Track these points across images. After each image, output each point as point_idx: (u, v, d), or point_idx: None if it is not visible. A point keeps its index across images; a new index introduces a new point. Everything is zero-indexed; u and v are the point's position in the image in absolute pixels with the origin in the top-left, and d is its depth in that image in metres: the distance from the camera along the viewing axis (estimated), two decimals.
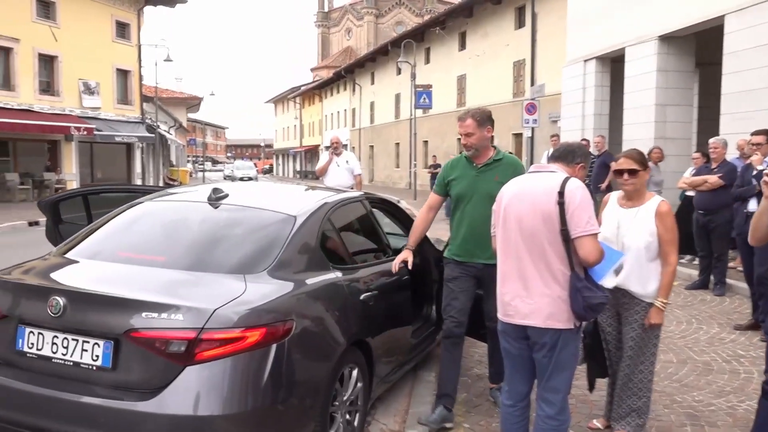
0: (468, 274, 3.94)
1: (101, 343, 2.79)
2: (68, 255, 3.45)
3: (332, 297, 3.44)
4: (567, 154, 3.17)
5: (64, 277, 3.20)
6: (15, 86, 21.94)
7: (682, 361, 5.26)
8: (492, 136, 3.95)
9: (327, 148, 10.01)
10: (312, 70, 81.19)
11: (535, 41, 22.04)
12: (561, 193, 2.87)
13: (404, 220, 4.97)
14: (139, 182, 27.73)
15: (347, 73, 46.38)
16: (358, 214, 4.38)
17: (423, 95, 25.38)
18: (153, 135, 28.01)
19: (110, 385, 2.77)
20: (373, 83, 42.41)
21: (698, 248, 8.10)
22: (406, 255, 4.01)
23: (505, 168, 3.86)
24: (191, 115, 58.56)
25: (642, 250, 3.46)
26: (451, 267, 4.02)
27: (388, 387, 4.47)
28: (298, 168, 63.69)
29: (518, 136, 23.05)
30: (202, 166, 57.69)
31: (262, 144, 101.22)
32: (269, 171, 74.35)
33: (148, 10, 28.94)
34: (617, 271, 3.15)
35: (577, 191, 2.88)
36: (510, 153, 4.05)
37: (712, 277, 7.97)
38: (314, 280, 3.34)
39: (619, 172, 3.55)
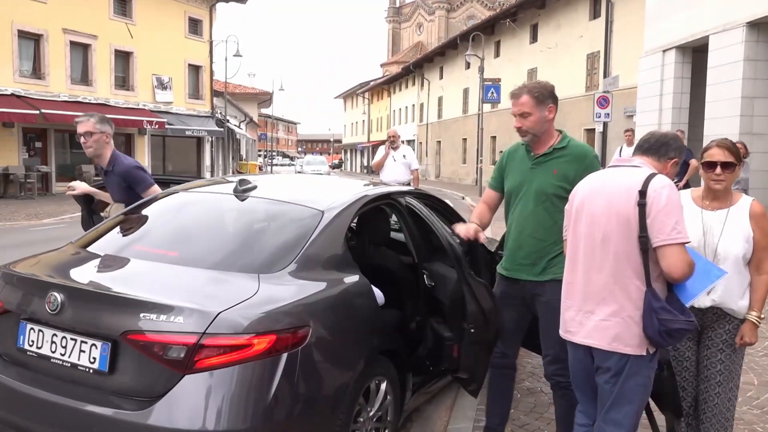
0: (516, 295, 3.27)
1: (98, 344, 2.56)
2: (84, 247, 3.27)
3: (359, 301, 3.12)
4: (659, 147, 2.66)
5: (68, 271, 3.01)
6: (92, 81, 22.77)
7: (765, 383, 4.65)
8: (553, 119, 3.17)
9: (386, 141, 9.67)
10: (382, 65, 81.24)
11: (610, 32, 21.02)
12: (642, 193, 2.42)
13: (454, 219, 4.54)
14: (208, 175, 28.35)
15: (416, 68, 46.00)
16: (401, 210, 3.98)
17: (491, 89, 24.67)
18: (222, 129, 28.54)
19: (107, 391, 2.54)
20: (441, 78, 41.86)
21: None
22: (477, 228, 3.34)
23: (569, 160, 3.09)
24: (263, 111, 59.69)
25: (740, 259, 2.84)
26: (499, 283, 3.40)
27: (429, 398, 4.13)
28: (365, 163, 63.92)
29: (590, 132, 22.08)
30: (272, 160, 58.70)
31: (332, 139, 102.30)
32: (338, 166, 74.95)
33: (220, 6, 29.51)
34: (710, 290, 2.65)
35: (663, 191, 2.41)
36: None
37: None
38: (338, 281, 3.03)
39: (710, 165, 2.86)
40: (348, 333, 2.95)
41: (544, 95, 3.12)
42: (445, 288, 3.62)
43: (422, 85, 45.70)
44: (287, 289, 2.78)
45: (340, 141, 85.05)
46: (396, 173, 9.42)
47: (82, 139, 4.16)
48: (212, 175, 29.19)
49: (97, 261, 3.11)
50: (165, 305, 2.51)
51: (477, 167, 26.34)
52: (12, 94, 19.61)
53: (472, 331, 3.47)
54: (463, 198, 24.20)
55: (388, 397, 3.27)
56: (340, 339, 2.89)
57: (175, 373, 2.44)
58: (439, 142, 42.96)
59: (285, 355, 2.56)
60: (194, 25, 27.59)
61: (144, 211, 3.60)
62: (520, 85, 3.20)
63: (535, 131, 3.13)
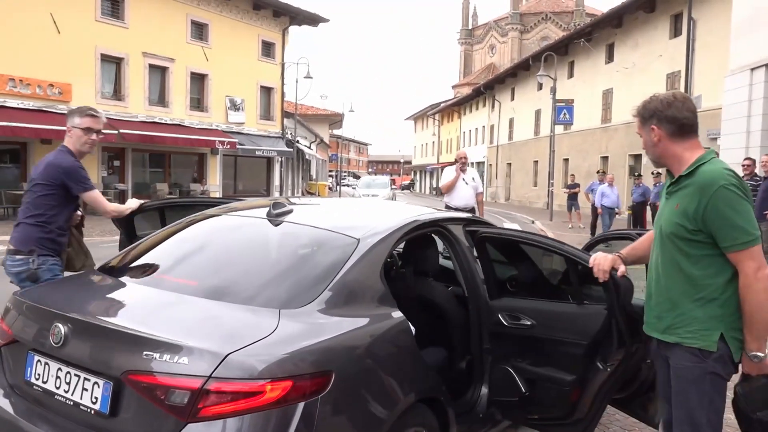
0: (657, 355, 2.67)
1: (101, 383, 2.33)
2: (104, 272, 3.09)
3: (394, 342, 2.78)
4: None
5: (79, 299, 2.81)
6: (169, 102, 23.56)
7: None
8: (666, 140, 2.54)
9: (452, 163, 9.28)
10: (453, 87, 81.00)
11: (693, 50, 19.97)
12: None
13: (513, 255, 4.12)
14: (277, 194, 28.74)
15: (487, 89, 45.49)
16: (452, 240, 3.62)
17: (563, 110, 23.92)
18: (291, 149, 28.92)
19: None
20: (512, 99, 41.16)
21: None
22: (615, 260, 2.87)
23: (691, 191, 2.41)
24: (334, 132, 60.48)
25: None
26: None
27: None
28: (434, 184, 63.57)
29: None
30: (343, 180, 59.19)
31: (402, 160, 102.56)
32: (409, 187, 74.87)
33: (293, 29, 30.07)
34: None
35: None
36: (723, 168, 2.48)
37: None
38: (371, 319, 2.70)
39: None
40: (379, 379, 2.61)
41: (644, 114, 2.60)
42: (559, 325, 3.30)
43: (493, 106, 45.10)
44: (310, 328, 2.48)
45: (409, 162, 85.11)
46: (466, 196, 9.06)
47: (95, 136, 3.92)
48: (281, 195, 29.58)
49: (111, 289, 2.91)
50: (170, 343, 2.25)
51: (548, 190, 25.52)
52: None
53: (608, 370, 3.13)
54: (533, 222, 23.41)
55: None
56: (370, 386, 2.55)
57: (178, 422, 2.17)
58: (510, 164, 42.13)
59: (301, 405, 2.25)
60: (267, 48, 28.21)
61: (173, 235, 3.41)
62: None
63: (651, 157, 2.66)
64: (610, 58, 27.65)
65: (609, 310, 3.17)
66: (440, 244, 3.90)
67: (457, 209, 8.71)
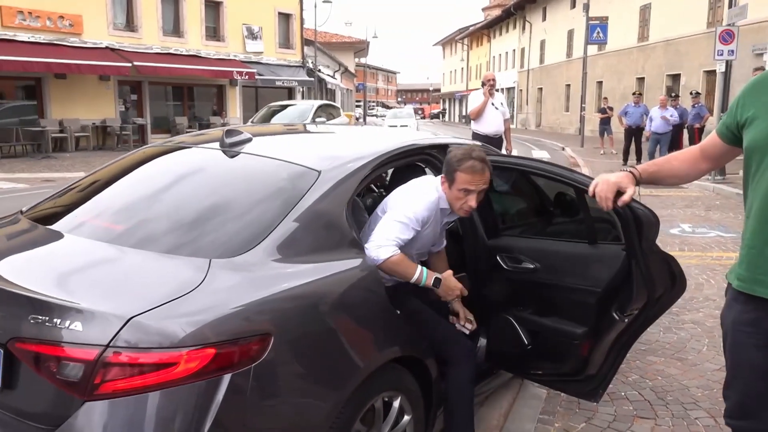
0: (763, 324, 1.90)
1: None
2: (32, 218, 2.65)
3: (357, 295, 2.32)
4: None
5: None
6: (184, 32, 22.81)
7: None
8: None
9: (482, 85, 8.53)
10: (483, 9, 77.57)
11: None
12: None
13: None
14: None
15: (517, 10, 43.30)
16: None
17: (597, 29, 22.44)
18: (313, 79, 28.07)
19: (6, 410, 1.92)
20: (544, 20, 39.14)
21: None
22: (623, 179, 2.16)
23: None
24: (361, 60, 58.95)
25: None
26: (730, 300, 2.03)
27: (480, 399, 3.34)
28: (463, 112, 62.14)
29: (711, 74, 19.63)
30: (371, 111, 57.98)
31: (431, 88, 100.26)
32: (438, 115, 73.34)
33: None
34: None
35: None
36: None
37: None
38: (328, 268, 2.23)
39: None
40: (336, 340, 2.16)
41: None
42: (568, 268, 2.84)
43: (524, 28, 43.06)
44: (245, 281, 2.02)
45: (438, 90, 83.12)
46: (495, 122, 8.43)
47: None
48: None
49: (25, 237, 2.48)
50: (62, 305, 1.82)
51: (580, 115, 24.40)
52: (107, 47, 19.94)
53: (626, 321, 2.66)
54: (563, 149, 22.50)
55: (405, 416, 2.49)
56: (322, 349, 2.11)
57: (74, 399, 1.77)
58: (541, 89, 40.55)
59: (227, 377, 1.82)
60: None
61: (114, 171, 2.94)
62: None
63: None
64: None
65: (627, 251, 2.65)
66: None
67: (486, 137, 8.12)
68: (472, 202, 2.64)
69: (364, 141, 3.32)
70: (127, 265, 2.10)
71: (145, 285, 1.96)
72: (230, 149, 2.74)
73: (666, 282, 2.70)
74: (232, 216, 2.33)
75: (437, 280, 2.62)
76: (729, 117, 2.01)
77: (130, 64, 19.40)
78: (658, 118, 14.04)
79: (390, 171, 3.43)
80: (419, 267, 2.59)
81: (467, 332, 2.84)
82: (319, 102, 18.36)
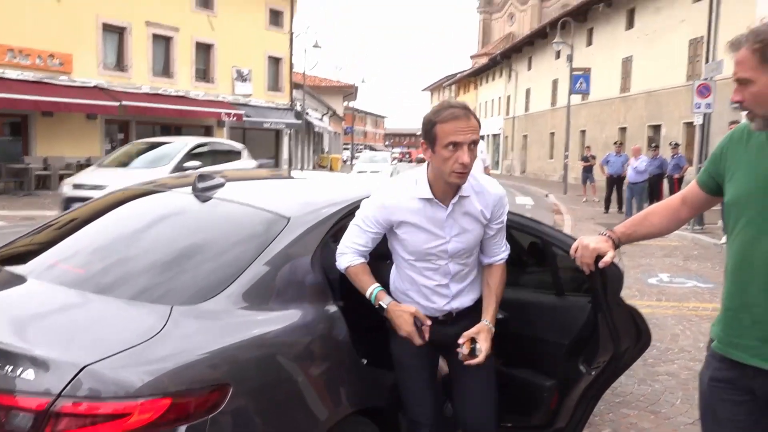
0: (739, 385, 1.87)
1: None
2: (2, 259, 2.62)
3: (322, 344, 2.30)
4: None
5: None
6: (173, 73, 23.05)
7: None
8: None
9: None
10: (472, 57, 79.45)
11: (718, 15, 18.98)
12: None
13: None
14: (285, 167, 28.28)
15: (503, 59, 44.31)
16: None
17: (580, 79, 23.03)
18: (301, 122, 28.35)
19: None
20: (530, 69, 40.03)
21: None
22: (602, 244, 2.12)
23: None
24: (349, 104, 59.71)
25: None
26: (709, 363, 1.98)
27: None
28: None
29: (690, 126, 20.07)
30: (358, 154, 58.29)
31: (418, 133, 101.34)
32: (423, 160, 74.03)
33: None
34: None
35: None
36: None
37: None
38: (293, 316, 2.22)
39: None
40: (296, 390, 2.14)
41: None
42: (535, 319, 2.81)
43: (510, 76, 43.98)
44: (206, 329, 2.01)
45: None
46: (478, 170, 8.49)
47: None
48: (289, 168, 29.16)
49: None
50: (17, 352, 1.79)
51: (563, 163, 24.76)
52: (95, 87, 20.06)
53: (592, 373, 2.64)
54: (547, 195, 22.74)
55: None
56: (283, 399, 2.08)
57: None
58: (526, 136, 41.18)
59: (183, 429, 1.79)
60: (275, 17, 27.48)
61: (85, 213, 2.94)
62: (748, 30, 1.80)
63: (766, 112, 1.78)
64: (630, 24, 26.53)
65: (593, 304, 2.66)
66: None
67: None
68: (464, 157, 2.12)
69: (338, 187, 3.34)
70: (87, 311, 2.08)
71: (103, 332, 1.93)
72: (202, 194, 2.75)
73: (631, 335, 2.71)
74: (198, 262, 2.32)
75: (381, 307, 2.30)
76: (712, 164, 2.00)
77: (118, 104, 19.50)
78: (630, 169, 14.36)
79: None
80: (373, 286, 2.32)
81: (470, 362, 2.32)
82: (196, 140, 13.46)
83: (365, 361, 2.46)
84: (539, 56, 38.00)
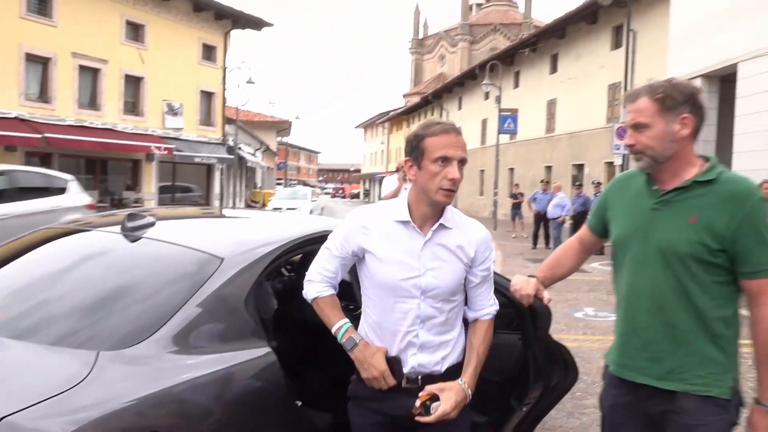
0: (635, 406, 2.08)
1: None
2: None
3: (254, 387, 2.26)
4: None
5: None
6: (100, 106, 22.43)
7: None
8: (690, 137, 2.00)
9: (392, 172, 8.77)
10: (404, 96, 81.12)
11: (633, 62, 20.17)
12: None
13: None
14: (217, 203, 27.80)
15: (435, 98, 45.52)
16: None
17: (508, 120, 23.89)
18: (233, 156, 28.05)
19: None
20: (460, 108, 41.24)
21: None
22: (535, 286, 2.34)
23: (717, 201, 1.94)
24: (283, 139, 59.59)
25: None
26: (607, 384, 2.21)
27: None
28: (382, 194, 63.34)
29: (610, 165, 21.10)
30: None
31: (352, 168, 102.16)
32: (357, 196, 74.40)
33: (236, 33, 29.24)
34: None
35: None
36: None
37: None
38: (225, 360, 2.17)
39: None
40: None
41: (675, 99, 1.96)
42: None
43: (441, 115, 45.12)
44: (135, 375, 1.94)
45: (359, 171, 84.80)
46: None
47: None
48: (221, 204, 28.68)
49: None
50: None
51: (493, 200, 25.44)
52: (16, 118, 19.26)
53: (524, 410, 2.66)
54: None
55: None
56: None
57: None
58: None
59: None
60: (208, 52, 27.31)
61: (4, 253, 2.80)
62: (647, 83, 2.05)
63: (655, 153, 1.98)
64: (554, 68, 27.86)
65: (524, 341, 2.74)
66: None
67: None
68: (454, 173, 1.96)
69: (274, 226, 3.31)
70: (5, 358, 1.97)
71: (23, 381, 1.84)
72: (131, 233, 2.68)
73: (560, 370, 2.79)
74: (126, 305, 2.25)
75: (350, 343, 2.04)
76: (599, 210, 2.28)
77: (40, 136, 18.76)
78: (550, 204, 15.71)
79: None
80: (343, 320, 2.08)
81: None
82: None
83: (299, 403, 2.43)
84: (469, 96, 39.23)
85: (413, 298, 2.02)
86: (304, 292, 2.19)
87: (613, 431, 2.14)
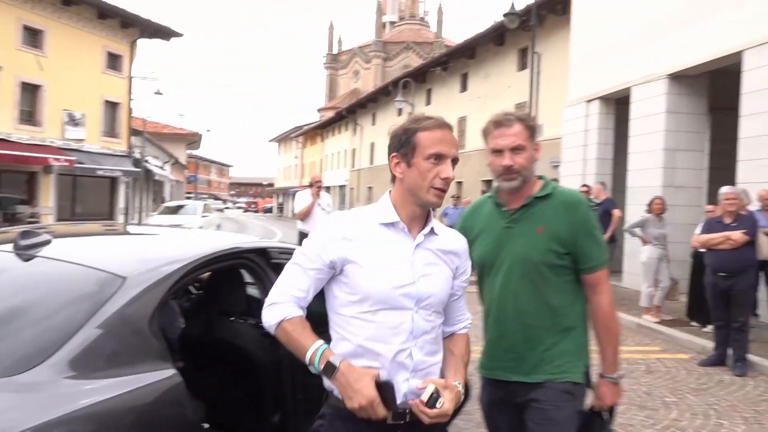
0: (507, 401, 2.34)
1: None
2: None
3: (163, 411, 2.19)
4: None
5: None
6: None
7: None
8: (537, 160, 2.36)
9: (310, 186, 8.70)
10: (319, 110, 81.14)
11: (538, 83, 21.13)
12: None
13: None
14: (121, 218, 26.63)
15: (349, 113, 45.78)
16: (261, 274, 3.03)
17: None
18: (139, 170, 27.02)
19: None
20: (374, 124, 41.67)
21: (714, 317, 6.83)
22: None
23: (556, 212, 2.26)
24: (193, 152, 58.02)
25: None
26: (483, 387, 2.46)
27: None
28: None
29: None
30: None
31: (265, 183, 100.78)
32: (269, 210, 73.35)
33: (142, 42, 28.28)
34: None
35: None
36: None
37: (730, 352, 6.68)
38: (130, 382, 2.09)
39: None
40: None
41: (534, 129, 2.32)
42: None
43: (355, 130, 45.44)
44: (26, 403, 1.83)
45: (272, 185, 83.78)
46: (322, 220, 8.62)
47: None
48: (126, 219, 27.50)
49: None
50: None
51: None
52: None
53: None
54: None
55: None
56: None
57: None
58: (371, 188, 42.49)
59: None
60: (113, 61, 26.23)
61: None
62: (505, 112, 2.34)
63: (526, 174, 2.28)
64: (464, 87, 28.71)
65: None
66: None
67: None
68: (448, 171, 1.84)
69: (182, 243, 3.21)
70: None
71: None
72: (24, 252, 2.53)
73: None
74: (19, 328, 2.12)
75: (330, 367, 1.73)
76: (461, 232, 2.39)
77: None
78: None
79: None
80: (318, 342, 1.78)
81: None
82: None
83: (206, 426, 2.37)
84: (383, 112, 39.73)
85: (406, 310, 1.80)
86: (265, 320, 1.85)
87: (492, 425, 2.44)
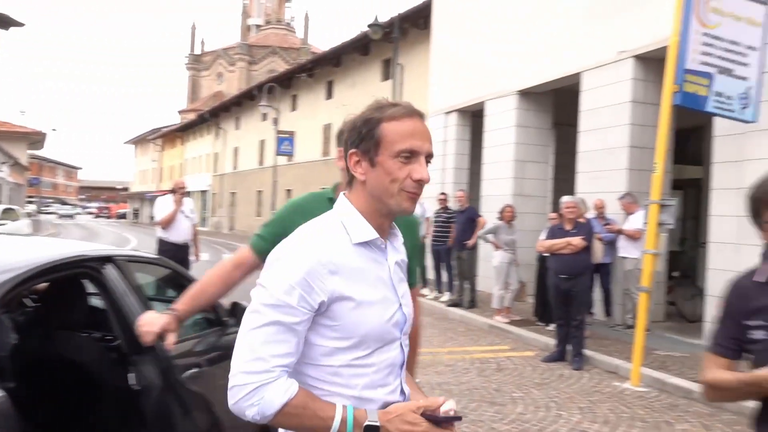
0: None
1: None
2: None
3: None
4: None
5: None
6: None
7: None
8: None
9: (172, 192, 8.17)
10: (180, 112, 77.80)
11: (401, 93, 21.75)
12: None
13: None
14: None
15: (212, 116, 44.34)
16: (104, 285, 2.83)
17: (285, 141, 24.24)
18: None
19: None
20: (237, 128, 40.71)
21: (555, 316, 7.43)
22: (167, 323, 2.33)
23: (402, 227, 1.68)
24: (36, 152, 53.36)
25: None
26: None
27: None
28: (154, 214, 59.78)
29: None
30: (46, 208, 52.34)
31: (119, 187, 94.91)
32: (123, 216, 69.18)
33: None
34: None
35: None
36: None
37: (569, 348, 7.28)
38: None
39: None
40: None
41: None
42: (148, 398, 2.60)
43: (217, 134, 44.12)
44: None
45: (127, 189, 79.09)
46: (186, 230, 8.23)
47: None
48: None
49: None
50: None
51: None
52: None
53: None
54: None
55: None
56: None
57: None
58: (234, 193, 41.46)
59: None
60: None
61: None
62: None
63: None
64: (329, 94, 28.89)
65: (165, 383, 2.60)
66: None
67: (175, 244, 7.92)
68: (422, 171, 1.45)
69: (15, 250, 2.94)
70: None
71: None
72: None
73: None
74: None
75: (372, 430, 1.36)
76: (274, 236, 2.08)
77: None
78: None
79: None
80: (338, 408, 1.37)
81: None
82: None
83: None
84: (247, 116, 38.95)
85: (395, 341, 1.51)
86: (252, 410, 1.34)
87: None
